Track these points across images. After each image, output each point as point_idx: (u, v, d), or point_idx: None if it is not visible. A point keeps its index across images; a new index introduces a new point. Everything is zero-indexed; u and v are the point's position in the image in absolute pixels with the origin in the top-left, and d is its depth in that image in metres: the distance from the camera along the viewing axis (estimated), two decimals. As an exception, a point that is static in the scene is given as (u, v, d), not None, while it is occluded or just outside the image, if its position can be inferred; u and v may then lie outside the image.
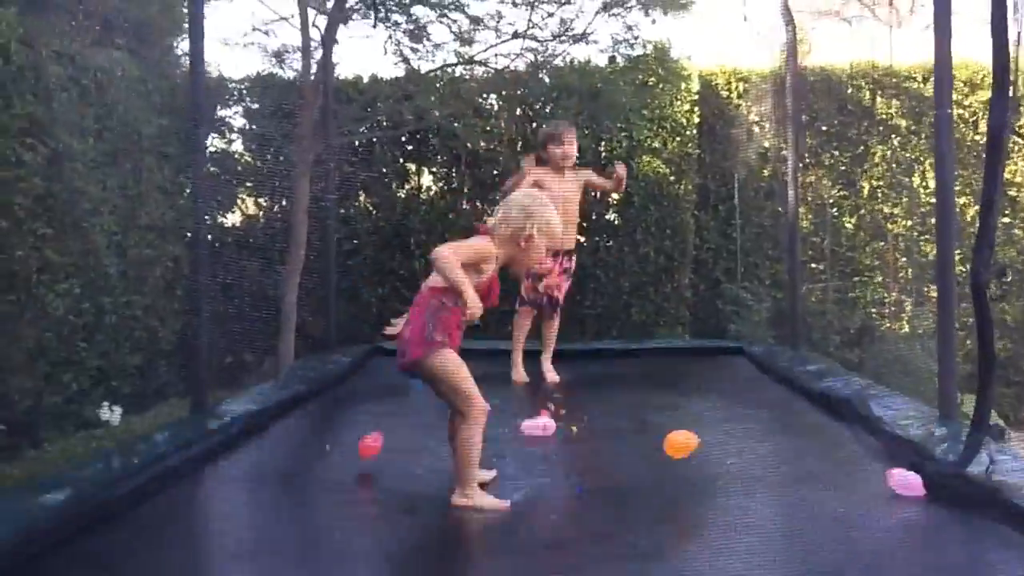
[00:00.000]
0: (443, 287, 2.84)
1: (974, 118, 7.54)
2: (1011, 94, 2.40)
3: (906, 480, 2.73)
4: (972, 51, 6.53)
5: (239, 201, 7.80)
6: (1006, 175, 7.56)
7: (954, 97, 7.44)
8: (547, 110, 7.58)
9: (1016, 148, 7.67)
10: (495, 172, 7.60)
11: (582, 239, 5.71)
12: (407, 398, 4.38)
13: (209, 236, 5.04)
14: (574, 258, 5.23)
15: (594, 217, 7.63)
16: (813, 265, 7.71)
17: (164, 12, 7.01)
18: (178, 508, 2.87)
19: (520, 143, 7.56)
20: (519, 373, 5.02)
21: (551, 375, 5.04)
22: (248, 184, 7.69)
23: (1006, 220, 7.58)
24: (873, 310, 7.75)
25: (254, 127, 7.67)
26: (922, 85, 7.66)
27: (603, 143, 7.56)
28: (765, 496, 2.90)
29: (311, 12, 6.47)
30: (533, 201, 3.03)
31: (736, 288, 7.53)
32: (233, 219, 7.82)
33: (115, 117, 5.95)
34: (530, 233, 2.96)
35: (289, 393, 4.35)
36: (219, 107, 7.52)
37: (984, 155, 2.55)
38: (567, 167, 5.13)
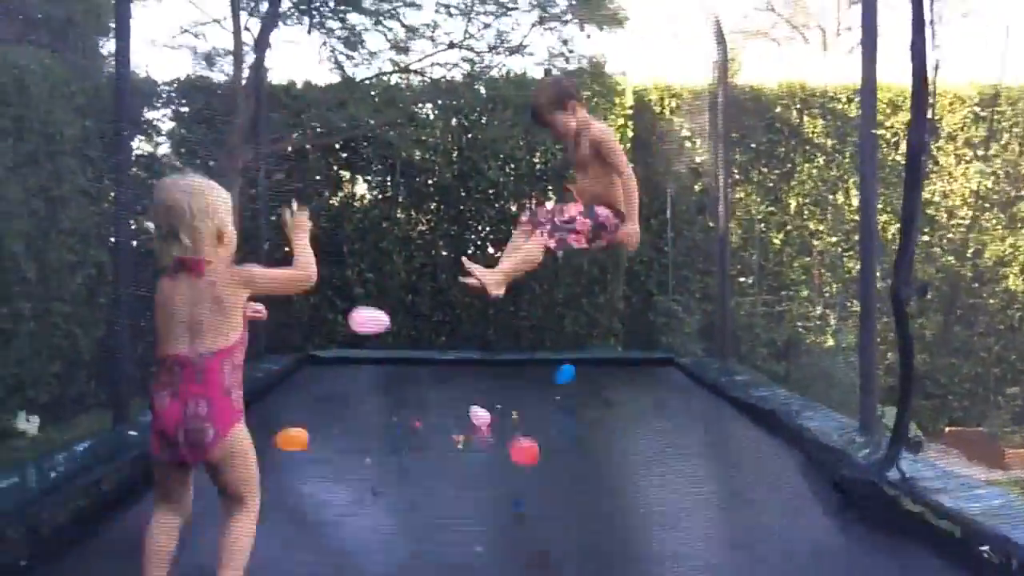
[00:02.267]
0: (234, 345, 2.37)
1: (895, 139, 7.79)
2: (929, 116, 2.48)
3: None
4: (894, 74, 6.76)
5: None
6: (925, 195, 7.83)
7: (877, 118, 7.77)
8: (483, 120, 7.59)
9: (935, 169, 7.96)
10: (429, 182, 7.57)
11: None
12: (337, 406, 4.32)
13: (134, 242, 4.89)
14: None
15: (528, 228, 7.65)
16: (742, 279, 7.87)
17: (89, 11, 6.82)
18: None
19: (455, 152, 7.55)
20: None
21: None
22: (175, 175, 7.49)
23: (926, 239, 7.85)
24: (799, 324, 7.94)
25: (183, 131, 7.49)
26: (847, 105, 7.89)
27: (538, 155, 7.60)
28: (682, 504, 2.94)
29: (243, 15, 6.36)
30: (206, 194, 2.45)
31: (668, 300, 7.63)
32: (159, 224, 7.60)
33: (35, 117, 5.75)
34: (228, 230, 2.43)
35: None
36: (146, 109, 7.33)
37: (904, 175, 2.63)
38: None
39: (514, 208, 7.70)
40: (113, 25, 6.90)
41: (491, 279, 3.28)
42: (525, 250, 3.39)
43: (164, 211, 2.36)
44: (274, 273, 2.56)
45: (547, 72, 7.51)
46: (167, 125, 7.58)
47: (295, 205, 2.64)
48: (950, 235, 8.02)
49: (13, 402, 5.45)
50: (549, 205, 3.45)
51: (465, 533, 2.71)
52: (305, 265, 2.53)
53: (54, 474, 2.89)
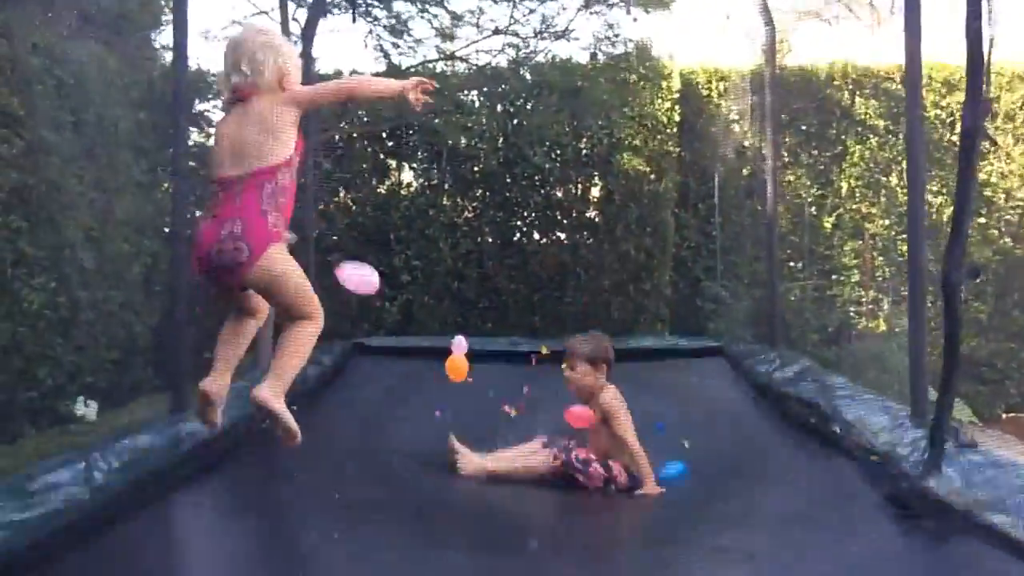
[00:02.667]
0: (275, 165, 2.31)
1: (951, 119, 7.61)
2: (984, 96, 2.42)
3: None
4: (948, 53, 6.59)
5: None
6: (983, 176, 7.64)
7: (931, 98, 7.59)
8: (528, 106, 7.58)
9: (993, 150, 7.75)
10: (475, 168, 7.59)
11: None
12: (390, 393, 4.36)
13: (188, 232, 4.98)
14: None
15: (574, 214, 7.65)
16: (791, 264, 7.76)
17: (143, 5, 6.94)
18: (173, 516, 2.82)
19: (501, 139, 7.56)
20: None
21: None
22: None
23: (982, 220, 7.66)
24: (851, 309, 7.81)
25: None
26: (900, 86, 7.71)
27: (584, 140, 7.57)
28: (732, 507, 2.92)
29: (291, 5, 6.43)
30: (273, 35, 2.55)
31: (716, 286, 7.56)
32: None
33: (92, 110, 5.89)
34: (287, 68, 2.46)
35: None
36: (198, 101, 7.46)
37: (958, 156, 2.57)
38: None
39: (559, 193, 7.70)
40: (165, 18, 7.03)
41: (473, 465, 3.47)
42: (531, 459, 3.54)
43: (233, 46, 2.43)
44: (319, 86, 2.58)
45: (592, 57, 7.47)
46: (217, 116, 7.71)
47: None
48: (1008, 216, 7.82)
49: (73, 388, 5.61)
50: (572, 443, 3.54)
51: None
52: (348, 81, 2.50)
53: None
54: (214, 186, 2.34)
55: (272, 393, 2.31)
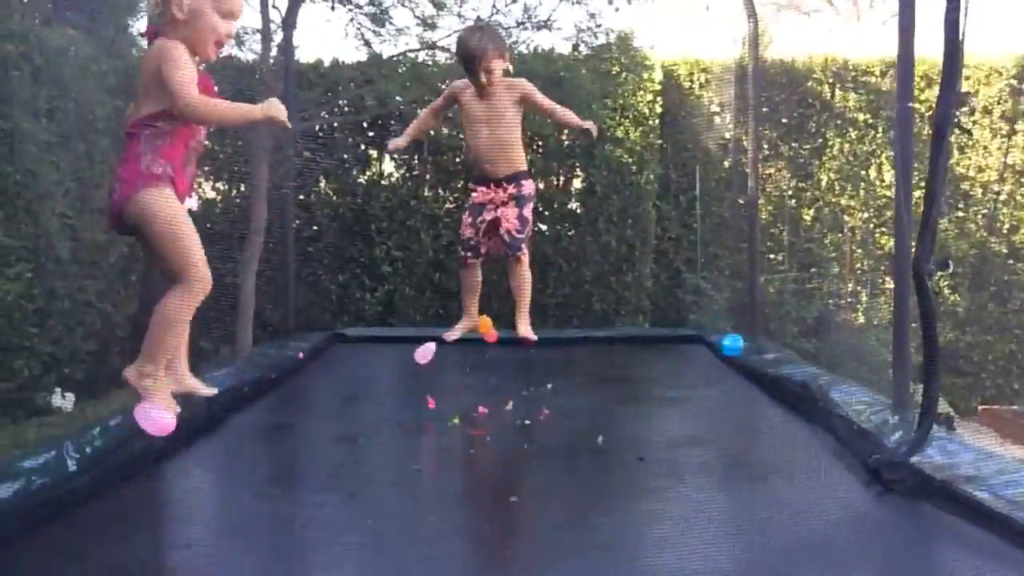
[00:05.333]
0: (151, 114, 2.28)
1: (929, 112, 7.64)
2: (959, 87, 2.44)
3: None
4: (926, 47, 6.62)
5: (196, 186, 7.66)
6: (960, 170, 7.70)
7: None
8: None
9: (970, 143, 7.81)
10: (457, 159, 7.57)
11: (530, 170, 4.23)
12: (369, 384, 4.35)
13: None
14: (527, 183, 3.88)
15: (556, 206, 7.65)
16: (772, 256, 7.80)
17: (120, -9, 6.85)
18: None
19: (483, 130, 7.53)
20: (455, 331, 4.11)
21: (527, 333, 3.99)
22: (205, 168, 7.57)
23: (960, 214, 7.74)
24: (830, 301, 7.87)
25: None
26: (880, 79, 7.77)
27: (566, 131, 7.56)
28: (718, 485, 2.94)
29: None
30: None
31: (696, 278, 7.60)
32: (190, 204, 7.68)
33: (68, 97, 5.82)
34: None
35: (249, 378, 4.28)
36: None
37: (930, 148, 2.60)
38: (493, 84, 3.74)
39: (541, 185, 7.69)
40: (143, 4, 6.94)
41: (528, 336, 3.96)
42: (511, 273, 3.92)
43: None
44: (212, 100, 2.42)
45: (575, 48, 7.46)
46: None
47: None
48: (984, 210, 7.89)
49: (49, 379, 5.56)
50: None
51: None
52: (219, 104, 2.40)
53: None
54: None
55: (142, 376, 2.29)
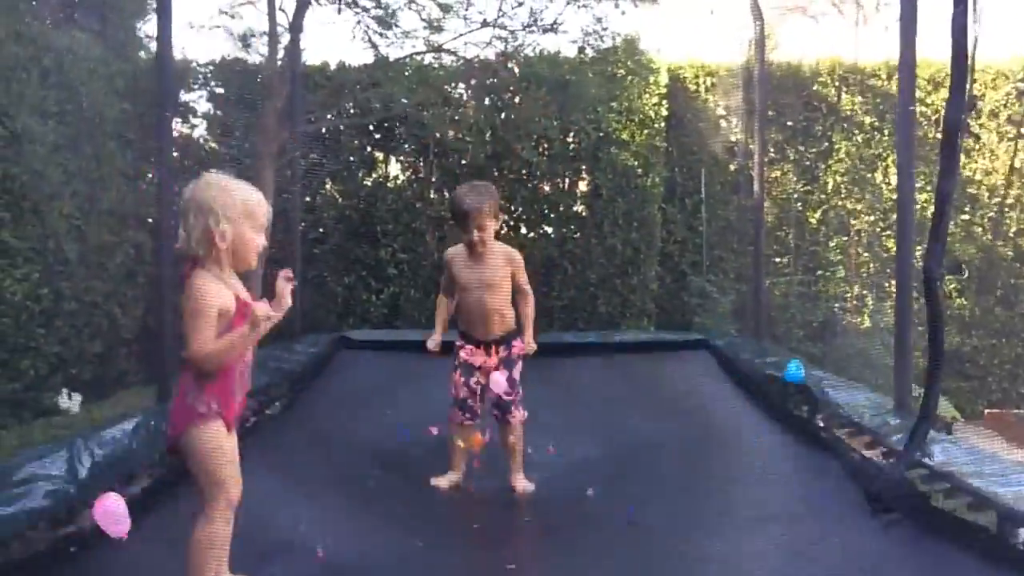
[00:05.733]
0: (187, 357, 2.35)
1: (936, 115, 7.64)
2: (967, 93, 2.44)
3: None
4: (934, 51, 6.62)
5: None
6: (968, 174, 7.68)
7: (917, 95, 7.61)
8: (516, 100, 7.57)
9: (978, 147, 7.80)
10: (463, 161, 7.58)
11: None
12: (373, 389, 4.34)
13: (173, 223, 4.95)
14: (516, 344, 3.85)
15: (562, 208, 7.65)
16: (777, 259, 7.79)
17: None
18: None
19: (488, 132, 7.55)
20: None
21: (521, 486, 3.78)
22: (212, 171, 7.57)
23: (966, 217, 7.71)
24: (835, 304, 7.85)
25: (219, 113, 7.56)
26: (886, 82, 7.75)
27: (572, 134, 7.57)
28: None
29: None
30: (207, 190, 2.47)
31: (701, 281, 7.59)
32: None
33: (76, 100, 5.83)
34: (220, 229, 2.39)
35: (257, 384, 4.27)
36: (183, 91, 7.41)
37: (939, 152, 2.59)
38: (486, 245, 3.81)
39: (547, 187, 7.70)
40: (151, 6, 6.97)
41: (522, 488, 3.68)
42: (503, 433, 3.78)
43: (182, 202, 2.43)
44: (224, 344, 2.35)
45: (581, 51, 7.47)
46: (203, 107, 7.67)
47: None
48: (991, 214, 7.87)
49: (56, 381, 5.56)
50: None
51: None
52: (232, 345, 2.35)
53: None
54: None
55: None
